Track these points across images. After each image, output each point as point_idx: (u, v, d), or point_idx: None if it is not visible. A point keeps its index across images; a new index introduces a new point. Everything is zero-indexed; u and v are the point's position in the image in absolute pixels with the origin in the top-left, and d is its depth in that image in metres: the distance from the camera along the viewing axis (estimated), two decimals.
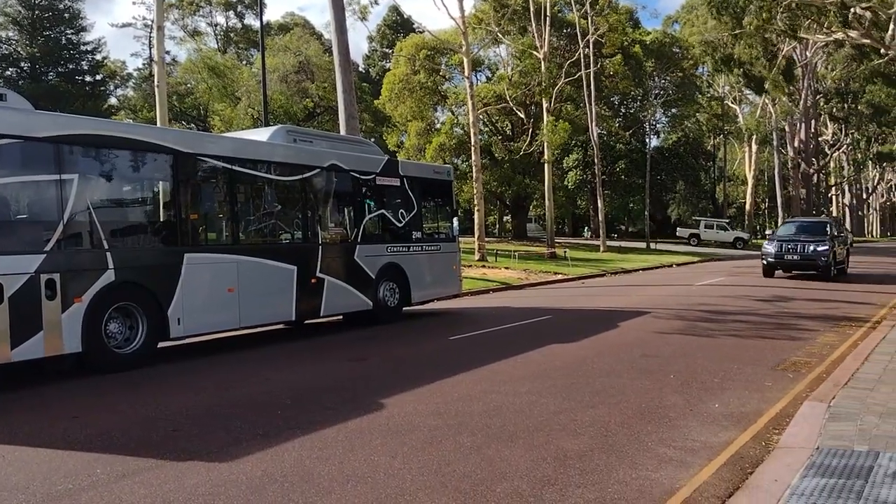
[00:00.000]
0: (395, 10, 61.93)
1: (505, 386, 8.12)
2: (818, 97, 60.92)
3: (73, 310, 8.88)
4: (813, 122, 62.27)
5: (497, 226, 63.14)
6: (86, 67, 51.33)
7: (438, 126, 47.47)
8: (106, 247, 9.41)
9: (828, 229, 23.06)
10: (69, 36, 49.69)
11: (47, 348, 8.63)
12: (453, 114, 48.16)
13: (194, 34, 59.58)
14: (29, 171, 8.69)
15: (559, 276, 26.58)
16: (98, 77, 52.80)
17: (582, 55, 40.02)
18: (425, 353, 10.88)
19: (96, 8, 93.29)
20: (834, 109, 62.90)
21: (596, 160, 43.44)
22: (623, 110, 57.23)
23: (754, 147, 60.53)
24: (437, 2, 75.42)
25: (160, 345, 10.31)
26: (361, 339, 12.36)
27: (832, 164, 75.26)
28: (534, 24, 38.52)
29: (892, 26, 23.95)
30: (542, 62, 37.07)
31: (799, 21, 28.40)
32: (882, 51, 26.54)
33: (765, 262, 23.28)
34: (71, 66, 50.17)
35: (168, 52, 58.16)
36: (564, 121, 38.54)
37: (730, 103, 59.56)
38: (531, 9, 37.81)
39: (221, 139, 12.95)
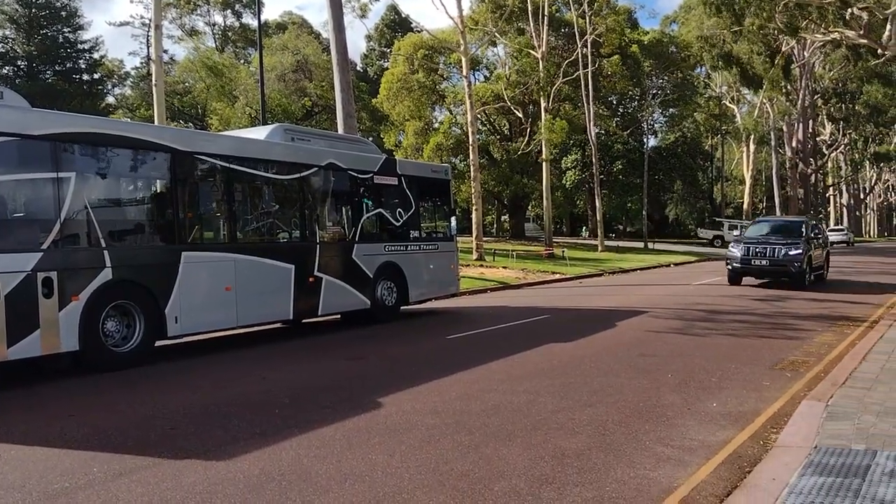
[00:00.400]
0: (394, 9, 61.96)
1: (503, 385, 8.11)
2: (816, 97, 60.98)
3: (71, 308, 8.86)
4: (811, 122, 62.36)
5: (495, 225, 63.17)
6: (83, 66, 51.29)
7: (436, 125, 47.50)
8: (103, 245, 9.39)
9: (803, 230, 20.68)
10: (66, 34, 49.64)
11: (44, 347, 8.61)
12: (451, 113, 48.21)
13: (192, 33, 59.51)
14: (26, 169, 8.66)
15: (557, 276, 26.59)
16: (95, 76, 52.78)
17: (580, 55, 40.05)
18: (423, 352, 10.88)
19: (94, 6, 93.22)
20: (832, 109, 62.98)
21: (594, 160, 43.46)
22: (621, 110, 57.30)
23: (752, 147, 60.58)
24: (436, 1, 75.27)
25: (158, 343, 10.29)
26: (359, 338, 12.35)
27: (830, 165, 75.40)
28: (532, 24, 38.54)
29: (889, 27, 23.98)
30: (541, 61, 37.07)
31: (797, 20, 28.43)
32: (879, 51, 26.57)
33: (730, 267, 20.58)
34: (68, 65, 50.14)
35: (166, 51, 58.18)
36: (562, 120, 38.55)
37: (728, 103, 59.61)
38: (529, 8, 37.82)
39: (219, 138, 12.93)
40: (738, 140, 65.08)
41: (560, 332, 12.31)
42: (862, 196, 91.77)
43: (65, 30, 49.42)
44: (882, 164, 77.10)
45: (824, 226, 50.67)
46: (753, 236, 21.06)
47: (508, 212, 57.63)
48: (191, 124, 51.43)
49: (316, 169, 12.98)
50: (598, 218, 45.11)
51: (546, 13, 37.21)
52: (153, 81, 19.70)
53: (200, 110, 52.06)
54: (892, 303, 15.94)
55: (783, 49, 38.22)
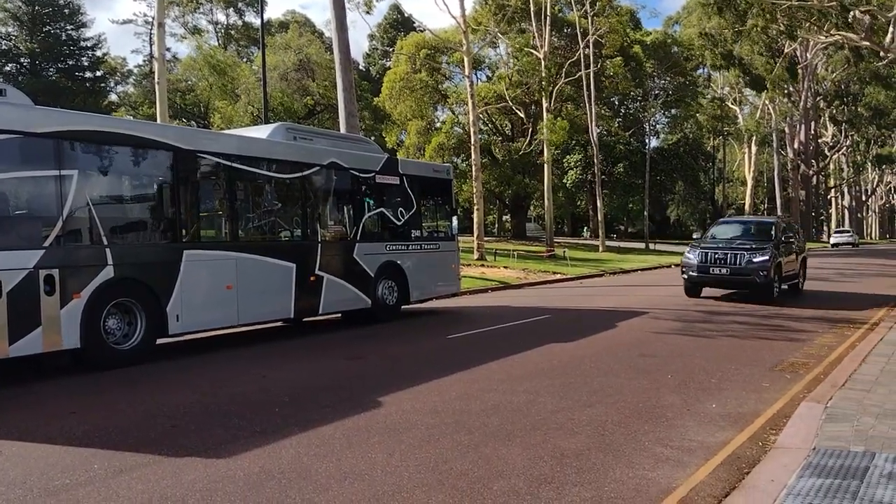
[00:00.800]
0: (397, 8, 62.02)
1: (503, 385, 8.12)
2: (818, 99, 61.01)
3: (72, 306, 8.89)
4: (813, 123, 62.39)
5: (496, 225, 63.18)
6: (86, 63, 51.37)
7: (438, 125, 47.53)
8: (105, 243, 9.41)
9: (773, 232, 17.87)
10: (69, 32, 49.71)
11: (45, 344, 8.63)
12: (453, 113, 48.22)
13: (195, 31, 59.56)
14: (28, 166, 8.68)
15: (558, 276, 26.60)
16: (98, 73, 52.86)
17: (582, 55, 40.06)
18: (423, 351, 10.89)
19: (97, 4, 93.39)
20: (834, 111, 62.98)
21: (595, 160, 43.48)
22: (623, 110, 57.30)
23: (754, 148, 60.61)
24: (439, 1, 75.32)
25: (159, 341, 10.31)
26: (360, 337, 12.37)
27: (832, 166, 75.45)
28: (534, 24, 38.56)
29: (891, 29, 23.97)
30: (542, 61, 37.08)
31: (799, 23, 28.42)
32: (881, 53, 26.57)
33: (685, 276, 17.66)
34: (71, 63, 50.21)
35: (169, 49, 58.20)
36: (564, 120, 38.58)
37: (730, 104, 59.62)
38: (531, 9, 37.83)
39: (221, 136, 12.94)
40: (739, 141, 65.07)
41: (560, 332, 12.32)
42: (863, 198, 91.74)
43: (68, 27, 49.50)
44: (884, 167, 77.09)
45: (821, 225, 50.82)
46: (714, 240, 18.20)
47: (510, 212, 57.67)
48: (193, 123, 51.48)
49: (318, 168, 13.00)
50: (599, 218, 45.12)
51: (548, 13, 37.22)
52: (156, 79, 19.74)
53: (203, 108, 52.10)
54: (893, 304, 15.93)
55: (786, 50, 38.22)
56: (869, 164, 76.41)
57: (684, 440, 6.04)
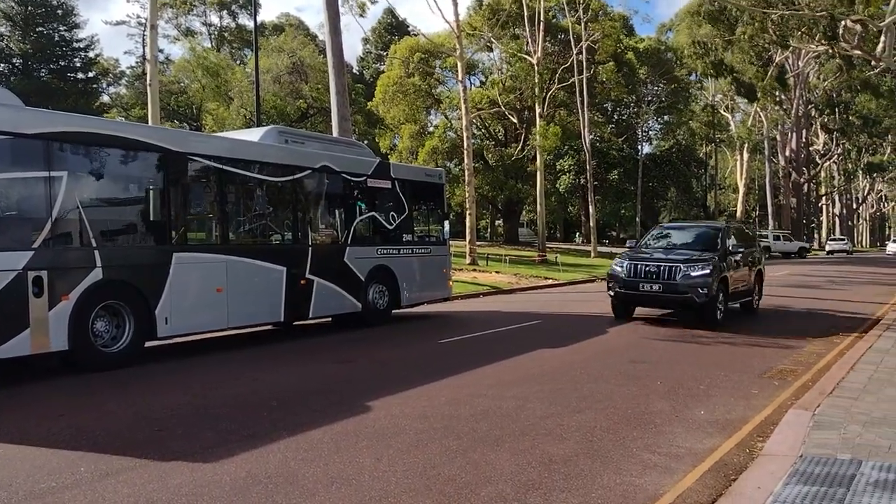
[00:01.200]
0: (391, 12, 62.01)
1: (492, 390, 8.12)
2: (810, 107, 61.32)
3: (61, 308, 8.84)
4: (804, 131, 62.67)
5: (488, 230, 63.24)
6: (78, 64, 51.15)
7: (431, 129, 47.57)
8: (94, 245, 9.37)
9: (719, 241, 14.82)
10: (62, 32, 49.50)
11: (33, 346, 8.59)
12: (446, 117, 48.29)
13: (188, 34, 59.48)
14: (18, 167, 8.64)
15: (550, 281, 26.63)
16: (90, 74, 52.62)
17: (575, 61, 40.16)
18: (413, 356, 10.88)
19: (93, 5, 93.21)
20: (826, 119, 63.35)
21: (588, 166, 43.58)
22: (616, 116, 57.47)
23: (746, 155, 60.90)
24: (432, 5, 75.54)
25: (148, 344, 10.27)
26: (350, 341, 12.35)
27: (823, 174, 75.75)
28: (527, 29, 38.66)
29: (883, 39, 24.13)
30: (536, 67, 37.18)
31: (790, 31, 28.57)
32: (872, 62, 26.74)
33: (611, 293, 14.66)
34: (63, 63, 50.00)
35: (162, 51, 58.10)
36: (557, 126, 38.66)
37: (722, 111, 59.88)
38: (525, 14, 37.94)
39: (212, 139, 12.92)
40: (731, 148, 65.39)
41: (551, 337, 12.33)
42: (854, 206, 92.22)
43: (60, 28, 49.27)
44: (875, 175, 77.53)
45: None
46: (648, 249, 15.44)
47: (502, 216, 57.73)
48: (185, 124, 51.37)
49: (309, 171, 12.98)
50: (591, 224, 45.19)
51: (542, 19, 37.33)
52: (148, 81, 19.69)
53: (195, 110, 52.00)
54: (882, 312, 16.01)
55: (776, 59, 38.43)
56: (860, 172, 76.82)
57: (672, 446, 6.05)
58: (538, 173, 37.67)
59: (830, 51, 28.08)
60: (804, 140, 63.02)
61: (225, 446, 5.96)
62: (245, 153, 11.89)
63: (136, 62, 58.23)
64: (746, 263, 15.75)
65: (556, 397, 7.78)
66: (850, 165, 74.25)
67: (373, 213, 14.48)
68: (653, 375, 9.01)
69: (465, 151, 31.94)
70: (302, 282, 12.54)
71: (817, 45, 29.12)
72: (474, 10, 45.00)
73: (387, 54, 48.84)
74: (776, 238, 52.97)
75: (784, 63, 46.41)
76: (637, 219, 51.33)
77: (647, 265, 13.99)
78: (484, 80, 53.28)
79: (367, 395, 7.78)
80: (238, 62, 55.69)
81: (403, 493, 4.95)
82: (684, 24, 43.48)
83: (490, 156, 48.88)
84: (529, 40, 38.84)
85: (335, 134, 20.76)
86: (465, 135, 32.33)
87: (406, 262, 15.05)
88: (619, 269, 14.39)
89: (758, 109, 55.13)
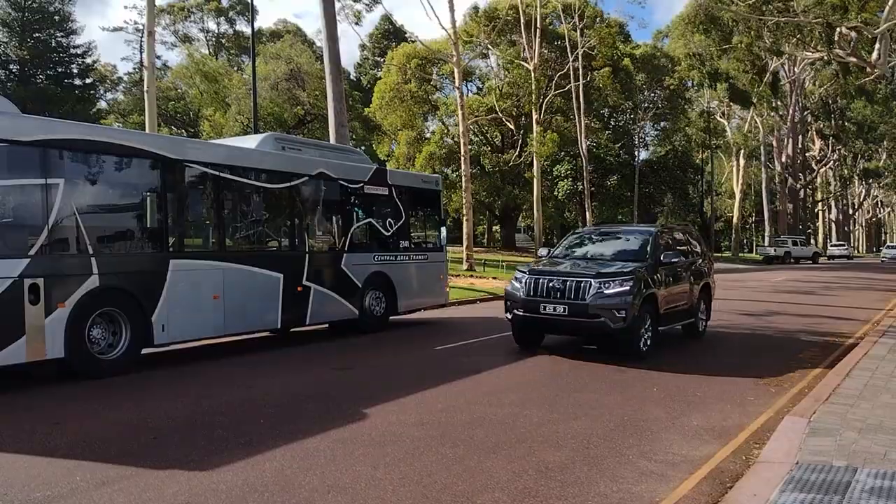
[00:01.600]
0: (388, 19, 62.16)
1: (489, 397, 8.12)
2: (806, 113, 61.51)
3: (57, 315, 8.83)
4: (800, 137, 62.86)
5: (486, 235, 63.24)
6: (75, 71, 51.08)
7: (429, 136, 47.61)
8: (91, 252, 9.36)
9: (648, 249, 11.78)
10: (59, 39, 49.45)
11: (29, 354, 8.56)
12: (443, 124, 48.34)
13: (185, 40, 59.53)
14: (14, 174, 8.64)
15: None
16: (88, 80, 52.55)
17: (571, 67, 40.26)
18: (410, 362, 10.87)
19: (91, 11, 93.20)
20: (822, 126, 63.54)
21: (584, 172, 43.65)
22: (613, 122, 57.57)
23: (742, 161, 61.00)
24: (429, 12, 75.73)
25: (144, 351, 10.25)
26: (346, 347, 12.34)
27: (819, 180, 75.94)
28: (524, 36, 38.76)
29: (877, 45, 24.21)
30: (532, 73, 37.27)
31: (786, 38, 28.67)
32: (868, 69, 26.83)
33: (508, 316, 11.65)
34: (60, 70, 49.92)
35: (159, 57, 58.06)
36: (554, 132, 38.72)
37: (718, 118, 60.02)
38: (521, 20, 38.04)
39: (209, 146, 12.92)
40: (728, 154, 65.49)
41: (548, 343, 12.32)
42: (851, 212, 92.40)
43: (57, 34, 49.22)
44: (871, 180, 77.72)
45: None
46: (559, 260, 12.27)
47: (499, 222, 57.77)
48: (183, 131, 51.36)
49: (306, 178, 12.99)
50: None
51: (538, 26, 37.44)
52: (145, 88, 19.70)
53: (193, 117, 51.99)
54: (877, 319, 16.04)
55: (771, 66, 38.56)
56: (856, 177, 77.02)
57: (668, 454, 6.06)
58: (535, 179, 37.73)
59: (826, 57, 28.17)
60: (800, 146, 63.23)
61: (221, 454, 5.95)
62: (242, 160, 11.89)
63: (134, 68, 58.29)
64: (688, 276, 12.65)
65: (553, 404, 7.78)
66: (846, 171, 74.46)
67: (370, 219, 14.49)
68: (648, 382, 8.99)
69: (463, 157, 32.00)
70: (299, 289, 12.53)
71: (813, 52, 29.22)
72: (471, 17, 45.07)
73: (384, 61, 48.93)
74: (794, 244, 56.35)
75: (780, 70, 46.54)
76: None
77: (550, 280, 10.94)
78: (481, 86, 53.37)
79: (363, 403, 7.78)
80: (235, 69, 55.72)
81: (400, 502, 4.95)
82: (678, 33, 43.65)
83: (487, 162, 48.94)
84: (526, 47, 38.96)
85: (332, 140, 20.78)
86: (462, 141, 32.38)
87: (403, 269, 15.05)
88: (517, 284, 11.42)
89: (754, 115, 55.29)
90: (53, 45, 49.20)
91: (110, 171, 9.95)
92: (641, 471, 5.63)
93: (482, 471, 5.58)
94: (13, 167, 8.61)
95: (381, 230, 14.74)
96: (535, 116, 37.84)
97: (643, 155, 59.11)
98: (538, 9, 37.37)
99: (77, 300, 9.05)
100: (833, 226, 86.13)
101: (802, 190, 66.31)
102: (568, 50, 41.11)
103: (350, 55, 70.67)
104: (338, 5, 23.72)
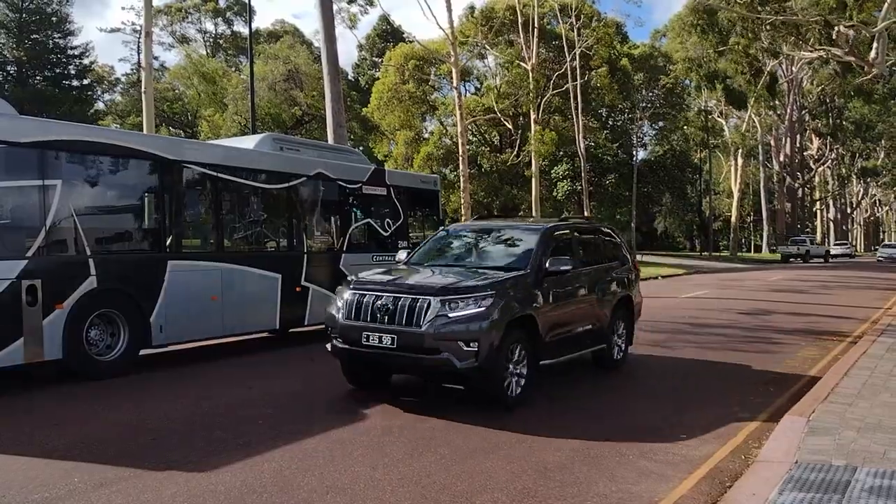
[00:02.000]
0: (385, 19, 62.04)
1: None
2: (804, 112, 61.59)
3: (55, 316, 8.81)
4: (798, 136, 62.94)
5: None
6: (73, 72, 51.06)
7: (427, 136, 47.60)
8: (88, 253, 9.34)
9: (533, 253, 8.46)
10: (56, 40, 49.43)
11: (27, 355, 8.54)
12: (442, 124, 48.32)
13: (183, 41, 59.48)
14: (11, 176, 8.61)
15: None
16: (85, 81, 52.53)
17: (569, 67, 40.27)
18: None
19: (89, 11, 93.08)
20: (819, 125, 63.62)
21: (583, 172, 43.67)
22: (611, 122, 57.60)
23: (740, 161, 61.05)
24: (427, 12, 75.73)
25: (143, 352, 10.23)
26: None
27: (817, 179, 76.00)
28: (522, 36, 38.75)
29: (875, 44, 24.25)
30: (530, 73, 37.27)
31: (784, 38, 28.70)
32: (866, 68, 26.87)
33: (328, 346, 8.17)
34: (58, 71, 49.90)
35: (157, 58, 58.09)
36: (552, 132, 38.73)
37: (716, 117, 60.08)
38: (519, 20, 38.04)
39: (207, 146, 12.90)
40: (726, 154, 65.55)
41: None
42: (849, 210, 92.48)
43: (55, 35, 49.19)
44: (869, 179, 77.82)
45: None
46: (409, 266, 9.20)
47: None
48: (181, 131, 51.33)
49: (304, 179, 12.97)
50: None
51: (536, 26, 37.45)
52: (143, 88, 19.65)
53: (190, 117, 51.96)
54: (875, 317, 16.05)
55: (768, 66, 38.61)
56: (854, 176, 77.10)
57: (668, 454, 6.05)
58: (533, 179, 37.73)
59: (824, 56, 28.20)
60: (798, 145, 63.31)
61: (220, 455, 5.94)
62: (240, 160, 11.87)
63: (132, 69, 58.26)
64: (595, 289, 9.47)
65: (552, 404, 7.77)
66: (843, 170, 74.54)
67: (368, 220, 14.48)
68: (648, 382, 8.96)
69: (461, 157, 31.98)
70: (297, 289, 12.52)
71: (811, 51, 29.23)
72: (467, 18, 45.07)
73: (382, 61, 48.91)
74: (812, 242, 57.62)
75: (777, 69, 46.63)
76: (632, 224, 51.39)
77: (378, 297, 7.62)
78: (479, 86, 53.36)
79: (363, 403, 7.77)
80: (233, 69, 55.68)
81: (398, 503, 4.94)
82: (675, 32, 43.71)
83: (485, 162, 48.93)
84: (524, 47, 38.94)
85: (330, 141, 20.74)
86: (460, 141, 32.36)
87: None
88: (338, 303, 8.05)
89: (752, 115, 55.37)
90: (51, 46, 49.18)
91: (108, 172, 9.93)
92: (641, 470, 5.63)
93: (481, 471, 5.57)
94: (10, 168, 8.59)
95: (380, 230, 14.73)
96: (533, 116, 37.86)
97: (641, 154, 59.16)
98: (535, 8, 37.37)
99: (75, 301, 9.03)
100: (831, 225, 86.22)
101: (800, 189, 66.43)
102: (565, 50, 41.09)
103: (348, 55, 70.77)
104: (335, 7, 23.70)
